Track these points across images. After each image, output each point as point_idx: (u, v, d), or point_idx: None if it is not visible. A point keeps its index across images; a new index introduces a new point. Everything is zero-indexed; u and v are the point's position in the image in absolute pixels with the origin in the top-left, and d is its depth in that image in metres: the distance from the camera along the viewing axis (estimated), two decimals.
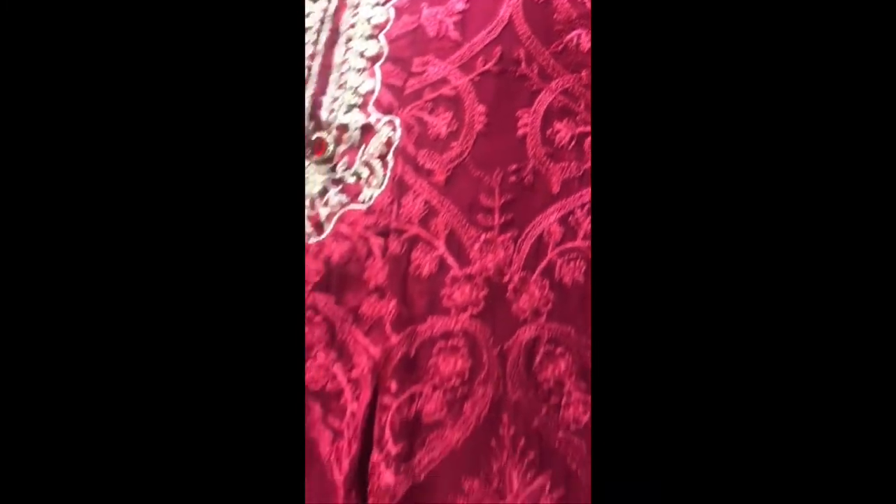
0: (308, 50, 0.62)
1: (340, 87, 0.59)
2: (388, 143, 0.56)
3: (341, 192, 0.56)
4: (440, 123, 0.56)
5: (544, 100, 0.57)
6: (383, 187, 0.55)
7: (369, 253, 0.54)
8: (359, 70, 0.60)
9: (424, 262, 0.53)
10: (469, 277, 0.52)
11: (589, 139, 0.57)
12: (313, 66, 0.61)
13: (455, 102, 0.56)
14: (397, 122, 0.56)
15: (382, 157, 0.56)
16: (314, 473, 0.53)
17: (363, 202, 0.56)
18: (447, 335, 0.52)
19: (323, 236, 0.55)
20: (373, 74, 0.60)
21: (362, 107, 0.58)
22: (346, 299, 0.55)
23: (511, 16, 0.60)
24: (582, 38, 0.60)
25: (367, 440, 0.52)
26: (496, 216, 0.53)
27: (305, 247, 0.55)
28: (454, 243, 0.53)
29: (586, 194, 0.55)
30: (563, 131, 0.57)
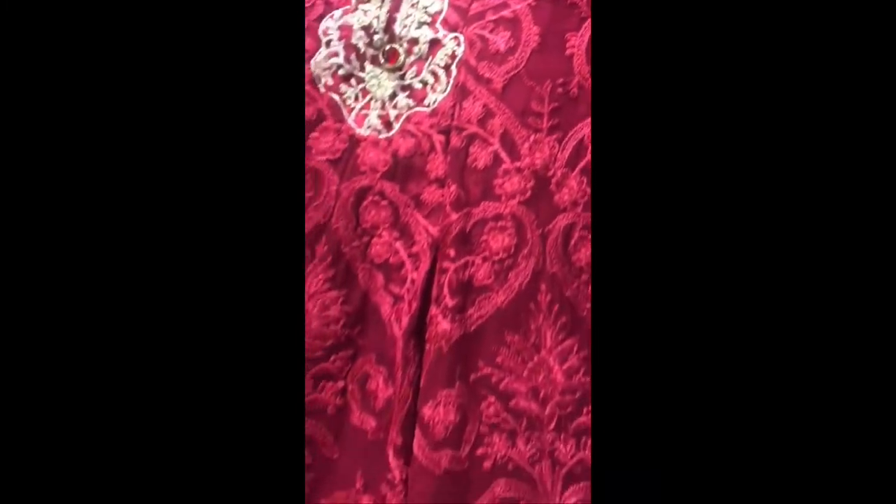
0: None
1: (413, 6, 0.67)
2: (453, 56, 0.64)
3: (409, 97, 0.65)
4: (499, 41, 0.64)
5: (590, 26, 0.65)
6: (447, 93, 0.64)
7: (432, 148, 0.63)
8: None
9: (481, 156, 0.62)
10: (519, 170, 0.61)
11: None
12: None
13: (513, 23, 0.64)
14: (462, 38, 0.65)
15: (447, 68, 0.64)
16: (376, 330, 0.62)
17: (428, 105, 0.64)
18: (497, 217, 0.61)
19: (391, 133, 0.64)
20: None
21: (431, 24, 0.66)
22: (410, 188, 0.64)
23: None
24: None
25: (426, 300, 0.61)
26: (544, 120, 0.62)
27: (376, 141, 0.64)
28: (507, 141, 0.61)
29: None
30: None
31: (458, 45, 0.66)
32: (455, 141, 0.62)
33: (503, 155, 0.62)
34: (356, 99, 0.65)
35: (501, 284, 0.59)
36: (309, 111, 0.64)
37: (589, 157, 0.62)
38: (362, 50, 0.65)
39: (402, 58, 0.66)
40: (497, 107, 0.63)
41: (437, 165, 0.63)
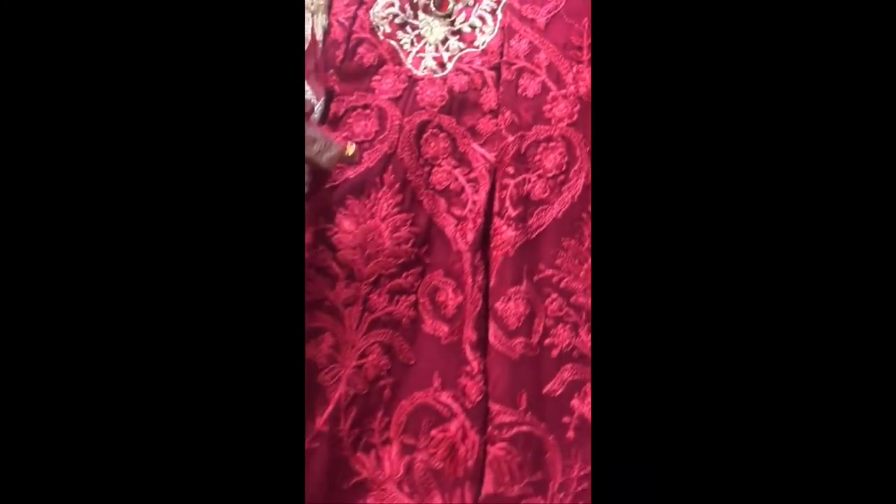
0: None
1: None
2: (498, 1, 0.71)
3: (459, 40, 0.72)
4: None
5: None
6: (494, 34, 0.71)
7: (484, 83, 0.70)
8: None
9: (530, 86, 0.69)
10: (565, 97, 0.68)
11: None
12: None
13: None
14: None
15: (493, 12, 0.71)
16: (442, 249, 0.69)
17: (478, 46, 0.71)
18: (549, 139, 0.68)
19: (445, 72, 0.71)
20: None
21: None
22: (465, 120, 0.70)
23: None
24: None
25: (489, 215, 0.68)
26: (584, 52, 0.69)
27: (432, 80, 0.71)
28: (553, 72, 0.68)
29: None
30: None
31: None
32: (506, 74, 0.69)
33: (550, 84, 0.69)
34: (412, 44, 0.71)
35: (556, 198, 0.66)
36: (370, 57, 0.70)
37: None
38: (416, 0, 0.72)
39: (451, 5, 0.73)
40: (541, 43, 0.70)
41: (490, 98, 0.69)
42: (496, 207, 0.67)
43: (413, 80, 0.71)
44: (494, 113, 0.69)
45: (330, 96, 0.69)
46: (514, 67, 0.69)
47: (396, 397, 0.67)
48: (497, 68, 0.70)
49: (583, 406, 0.65)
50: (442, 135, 0.70)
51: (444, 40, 0.73)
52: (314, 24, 0.72)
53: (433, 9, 0.73)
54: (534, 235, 0.66)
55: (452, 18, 0.73)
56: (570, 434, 0.65)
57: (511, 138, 0.67)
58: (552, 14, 0.70)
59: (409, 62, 0.71)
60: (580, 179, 0.67)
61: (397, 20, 0.72)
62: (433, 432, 0.65)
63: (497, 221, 0.66)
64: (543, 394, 0.65)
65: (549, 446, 0.65)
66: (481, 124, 0.70)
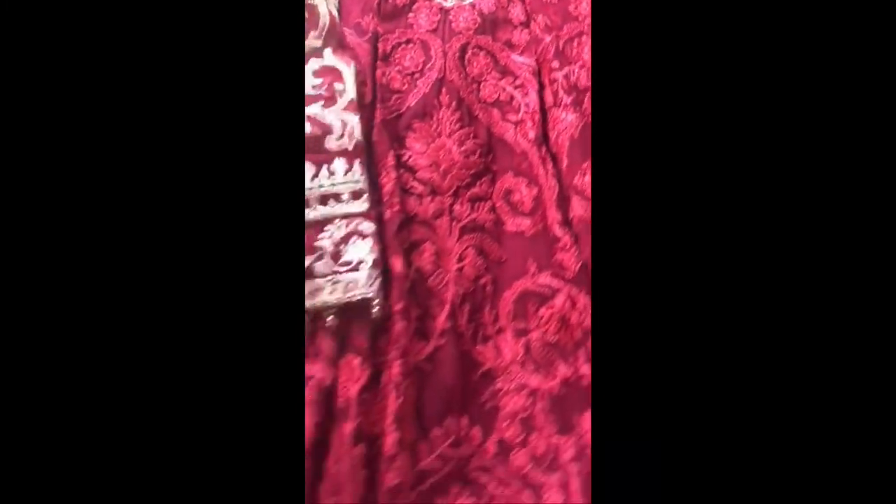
0: None
1: None
2: None
3: None
4: None
5: None
6: None
7: (510, 0, 0.77)
8: None
9: None
10: None
11: None
12: None
13: None
14: None
15: None
16: (505, 154, 0.75)
17: None
18: (580, 34, 0.75)
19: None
20: None
21: None
22: (499, 35, 0.77)
23: None
24: None
25: (544, 111, 0.74)
26: None
27: (462, 7, 0.77)
28: None
29: None
30: None
31: None
32: None
33: None
34: None
35: None
36: None
37: None
38: None
39: None
40: None
41: (518, 12, 0.76)
42: (550, 101, 0.73)
43: (444, 11, 0.77)
44: (525, 24, 0.76)
45: (375, 37, 0.75)
46: None
47: (498, 291, 0.72)
48: None
49: None
50: (482, 53, 0.76)
51: None
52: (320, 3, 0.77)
53: None
54: (589, 119, 0.72)
55: None
56: None
57: (548, 38, 0.74)
58: None
59: None
60: None
61: None
62: (541, 312, 0.70)
63: (555, 112, 0.73)
64: None
65: None
66: (515, 36, 0.76)
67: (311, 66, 0.72)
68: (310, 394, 0.61)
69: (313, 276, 0.65)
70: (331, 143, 0.70)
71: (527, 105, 0.74)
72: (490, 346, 0.71)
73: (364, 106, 0.72)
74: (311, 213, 0.67)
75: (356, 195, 0.68)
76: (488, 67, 0.76)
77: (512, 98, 0.75)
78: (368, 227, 0.67)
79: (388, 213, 0.69)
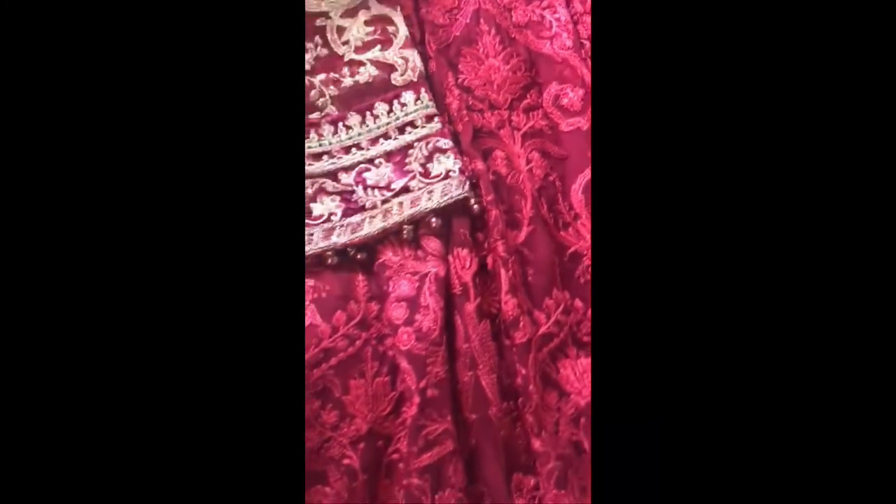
0: None
1: None
2: None
3: None
4: None
5: None
6: None
7: None
8: None
9: None
10: None
11: None
12: None
13: None
14: None
15: None
16: (546, 66, 0.83)
17: None
18: None
19: None
20: None
21: None
22: None
23: None
24: None
25: (575, 20, 0.82)
26: None
27: None
28: None
29: None
30: None
31: None
32: None
33: None
34: None
35: None
36: None
37: None
38: None
39: None
40: None
41: None
42: (579, 10, 0.82)
43: None
44: None
45: None
46: None
47: (566, 184, 0.80)
48: None
49: None
50: None
51: None
52: None
53: None
54: None
55: None
56: None
57: None
58: None
59: None
60: None
61: None
62: None
63: (586, 18, 0.81)
64: None
65: None
66: None
67: (361, 17, 0.81)
68: (429, 286, 0.69)
69: (409, 191, 0.73)
70: (396, 79, 0.78)
71: (558, 20, 0.83)
72: (571, 231, 0.79)
73: (417, 42, 0.81)
74: (395, 143, 0.76)
75: (429, 118, 0.76)
76: None
77: (542, 18, 0.84)
78: (446, 143, 0.75)
79: (460, 127, 0.77)
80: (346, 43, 0.80)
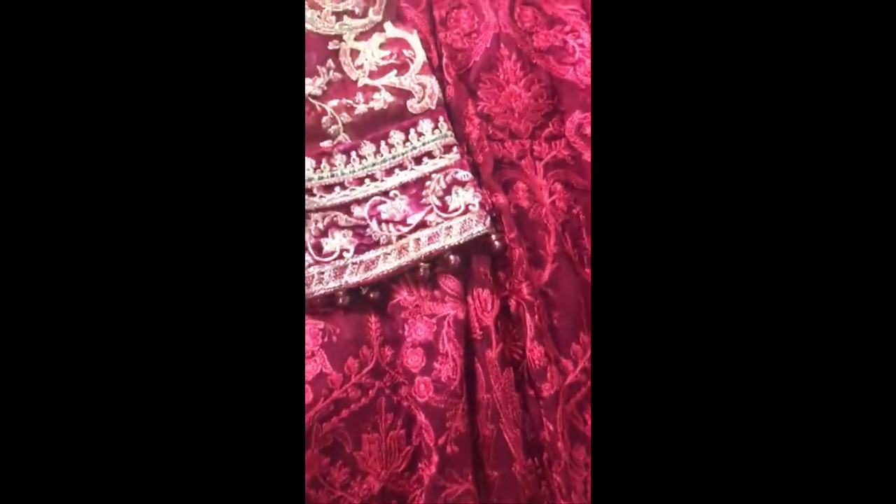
0: None
1: None
2: None
3: None
4: None
5: None
6: None
7: None
8: None
9: None
10: None
11: None
12: None
13: None
14: None
15: None
16: (569, 93, 0.79)
17: None
18: None
19: None
20: None
21: None
22: None
23: None
24: None
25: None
26: None
27: None
28: None
29: None
30: None
31: None
32: None
33: None
34: None
35: None
36: None
37: None
38: None
39: None
40: None
41: None
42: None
43: None
44: None
45: (430, 6, 0.80)
46: None
47: (589, 217, 0.75)
48: None
49: None
50: (529, 7, 0.81)
51: None
52: None
53: None
54: None
55: None
56: None
57: None
58: None
59: None
60: None
61: None
62: None
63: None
64: None
65: None
66: None
67: (376, 40, 0.77)
68: (448, 330, 0.64)
69: (426, 226, 0.68)
70: (413, 107, 0.74)
71: (581, 46, 0.79)
72: None
73: (435, 68, 0.76)
74: (411, 174, 0.71)
75: (447, 148, 0.72)
76: (537, 20, 0.81)
77: (565, 43, 0.80)
78: (465, 174, 0.70)
79: (480, 157, 0.72)
80: (359, 67, 0.76)
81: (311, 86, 0.74)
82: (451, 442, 0.60)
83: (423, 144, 0.72)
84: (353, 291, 0.67)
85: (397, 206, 0.70)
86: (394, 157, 0.72)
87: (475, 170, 0.72)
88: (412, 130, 0.73)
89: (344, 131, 0.73)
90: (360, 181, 0.71)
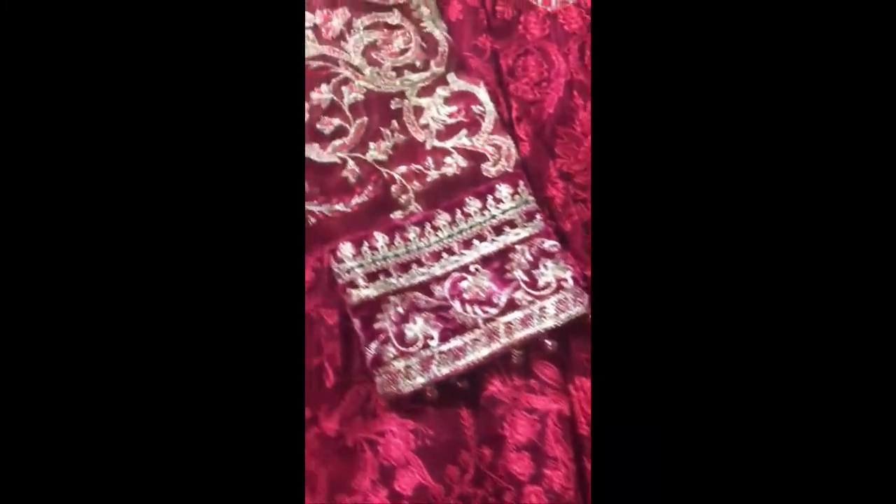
0: None
1: None
2: None
3: None
4: None
5: None
6: None
7: None
8: None
9: None
10: None
11: None
12: None
13: None
14: None
15: None
16: None
17: None
18: None
19: None
20: None
21: None
22: None
23: None
24: None
25: None
26: None
27: (568, 8, 0.75)
28: None
29: None
30: None
31: None
32: None
33: None
34: None
35: None
36: (508, 11, 0.74)
37: None
38: None
39: None
40: None
41: None
42: None
43: (552, 15, 0.75)
44: None
45: (495, 55, 0.73)
46: None
47: None
48: None
49: None
50: None
51: None
52: (433, 30, 0.74)
53: None
54: None
55: None
56: None
57: None
58: None
59: (539, 2, 0.76)
60: None
61: None
62: None
63: None
64: None
65: None
66: None
67: (440, 94, 0.70)
68: (553, 429, 0.58)
69: (516, 306, 0.62)
70: (489, 170, 0.67)
71: None
72: None
73: (507, 123, 0.70)
74: (492, 246, 0.65)
75: (529, 216, 0.66)
76: None
77: None
78: (552, 244, 0.64)
79: (567, 225, 0.66)
80: (425, 127, 0.69)
81: (376, 151, 0.67)
82: None
83: (503, 213, 0.66)
84: (442, 383, 0.61)
85: (480, 283, 0.64)
86: (471, 227, 0.65)
87: (562, 238, 0.66)
88: (489, 197, 0.66)
89: (415, 201, 0.66)
90: (437, 256, 0.65)
